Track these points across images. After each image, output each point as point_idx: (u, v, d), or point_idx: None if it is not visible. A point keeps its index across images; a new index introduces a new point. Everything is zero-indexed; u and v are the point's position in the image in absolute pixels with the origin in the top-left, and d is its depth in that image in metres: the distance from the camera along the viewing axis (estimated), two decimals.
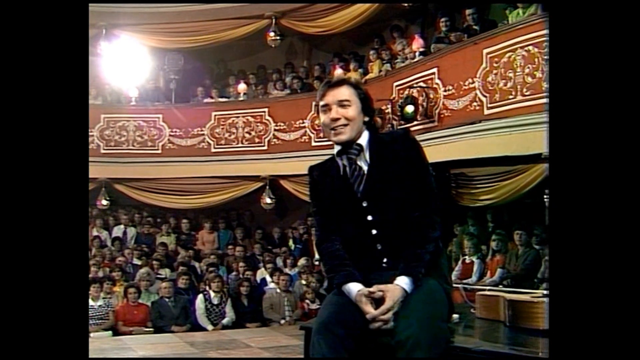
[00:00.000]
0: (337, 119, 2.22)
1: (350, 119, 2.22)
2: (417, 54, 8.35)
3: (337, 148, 2.29)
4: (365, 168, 2.24)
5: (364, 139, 2.26)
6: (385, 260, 2.21)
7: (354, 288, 2.11)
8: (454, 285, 2.51)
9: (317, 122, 9.70)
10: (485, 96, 6.93)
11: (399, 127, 7.59)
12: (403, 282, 2.08)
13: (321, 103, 2.27)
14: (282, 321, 8.40)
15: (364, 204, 2.22)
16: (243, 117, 10.43)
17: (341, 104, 2.23)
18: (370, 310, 2.04)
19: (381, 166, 2.23)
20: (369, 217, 2.22)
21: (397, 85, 8.41)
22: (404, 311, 2.01)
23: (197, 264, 9.81)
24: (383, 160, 2.23)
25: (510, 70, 6.57)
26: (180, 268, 9.04)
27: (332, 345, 1.97)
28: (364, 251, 2.24)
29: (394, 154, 2.23)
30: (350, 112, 2.23)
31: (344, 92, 2.25)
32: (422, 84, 7.89)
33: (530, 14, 6.90)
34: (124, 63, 10.50)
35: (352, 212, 2.24)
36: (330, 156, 2.36)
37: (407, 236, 2.16)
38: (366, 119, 2.28)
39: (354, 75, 9.54)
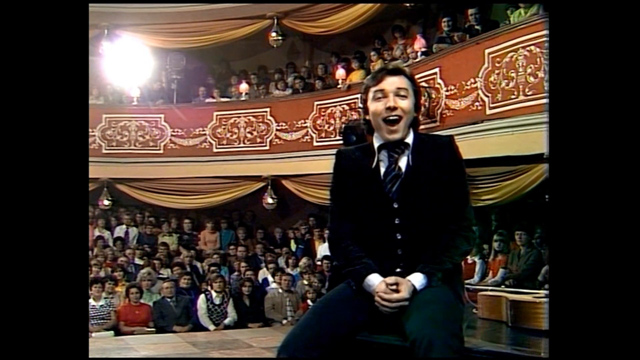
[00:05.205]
0: (394, 109, 2.08)
1: (406, 111, 2.09)
2: (419, 54, 8.35)
3: (377, 142, 2.16)
4: (403, 169, 2.12)
5: (409, 138, 2.14)
6: (401, 264, 2.11)
7: (375, 280, 2.03)
8: None
9: (318, 122, 9.72)
10: (487, 96, 6.92)
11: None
12: (416, 279, 2.01)
13: (375, 89, 2.11)
14: (284, 321, 8.39)
15: (395, 206, 2.10)
16: (245, 117, 10.43)
17: (399, 93, 2.09)
18: (391, 297, 1.97)
19: (421, 170, 2.11)
20: (397, 221, 2.10)
21: None
22: (418, 311, 1.94)
23: (199, 264, 9.81)
24: (424, 164, 2.11)
25: (513, 70, 6.56)
26: (182, 269, 9.04)
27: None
28: (382, 253, 2.12)
29: (437, 160, 2.12)
30: (406, 104, 2.10)
31: (403, 81, 2.11)
32: (424, 84, 7.87)
33: (532, 14, 6.89)
34: (125, 63, 10.51)
35: (378, 211, 2.12)
36: (362, 145, 2.24)
37: (432, 245, 2.09)
38: (415, 114, 2.15)
39: (357, 75, 9.54)
